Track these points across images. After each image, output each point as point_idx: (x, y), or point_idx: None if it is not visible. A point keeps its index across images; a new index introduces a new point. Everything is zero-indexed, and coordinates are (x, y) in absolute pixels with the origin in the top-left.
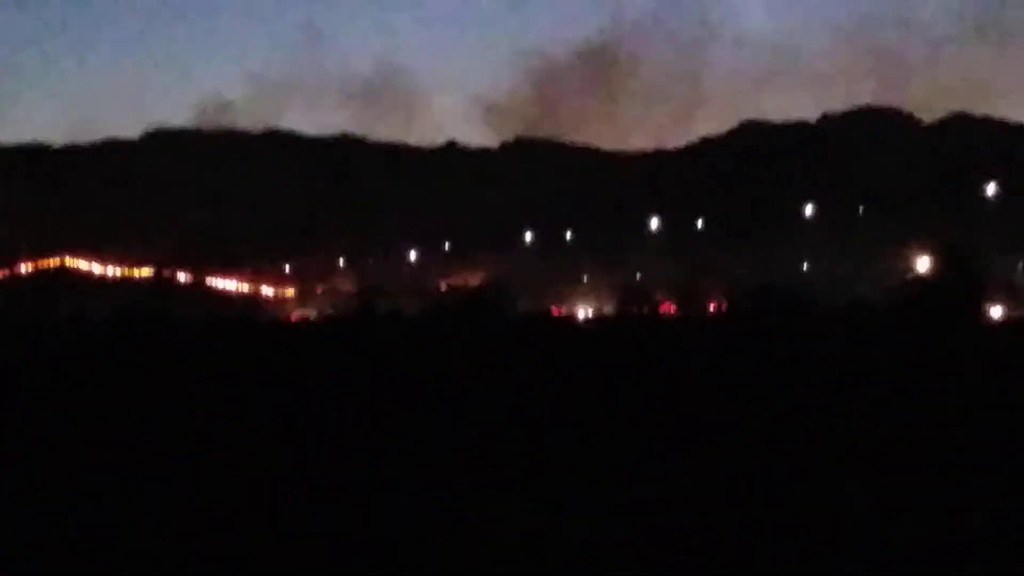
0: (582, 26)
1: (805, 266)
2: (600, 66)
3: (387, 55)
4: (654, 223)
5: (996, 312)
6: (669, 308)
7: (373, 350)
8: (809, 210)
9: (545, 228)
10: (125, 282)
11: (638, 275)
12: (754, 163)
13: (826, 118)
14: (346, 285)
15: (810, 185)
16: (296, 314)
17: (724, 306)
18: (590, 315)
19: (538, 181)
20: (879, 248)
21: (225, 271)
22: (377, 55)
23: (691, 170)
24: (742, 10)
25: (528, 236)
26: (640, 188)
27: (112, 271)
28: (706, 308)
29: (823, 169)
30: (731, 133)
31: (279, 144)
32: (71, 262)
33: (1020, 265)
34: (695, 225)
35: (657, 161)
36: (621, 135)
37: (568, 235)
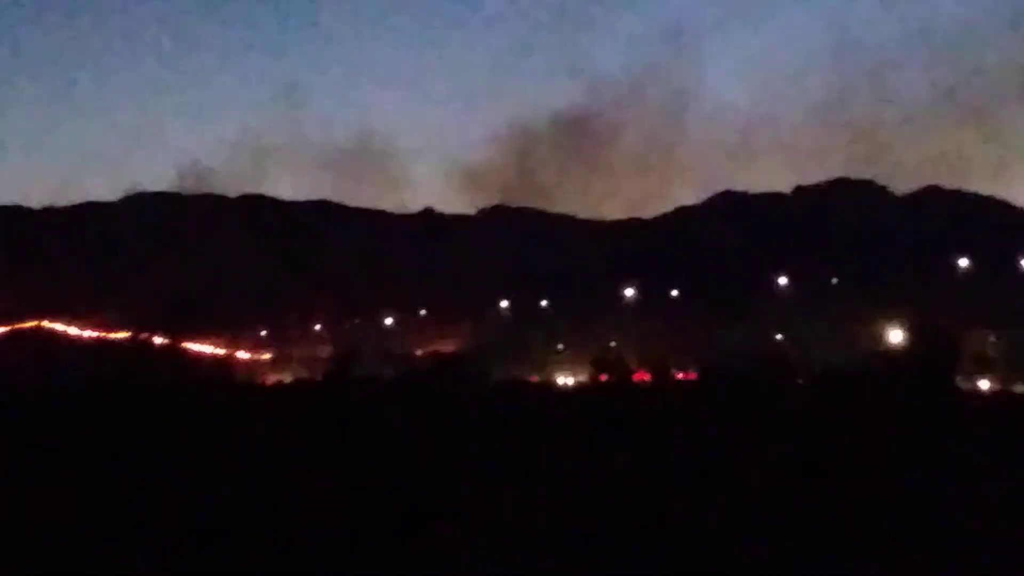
0: (561, 95)
1: (779, 336)
2: (578, 135)
3: (367, 121)
4: (629, 291)
5: (983, 384)
6: (643, 376)
7: (346, 414)
8: (783, 280)
9: (521, 295)
10: (101, 345)
11: (612, 343)
12: (729, 233)
13: (801, 190)
14: (322, 350)
15: (784, 255)
16: (272, 378)
17: (696, 375)
18: (569, 383)
19: (514, 248)
20: (852, 319)
21: (201, 334)
22: (357, 121)
23: (666, 239)
24: (719, 82)
25: (504, 303)
26: (616, 256)
27: (88, 334)
28: (677, 376)
29: (797, 240)
30: (706, 203)
31: (257, 208)
32: (48, 324)
33: (991, 338)
34: (669, 293)
35: (633, 229)
36: (598, 203)
37: (544, 302)
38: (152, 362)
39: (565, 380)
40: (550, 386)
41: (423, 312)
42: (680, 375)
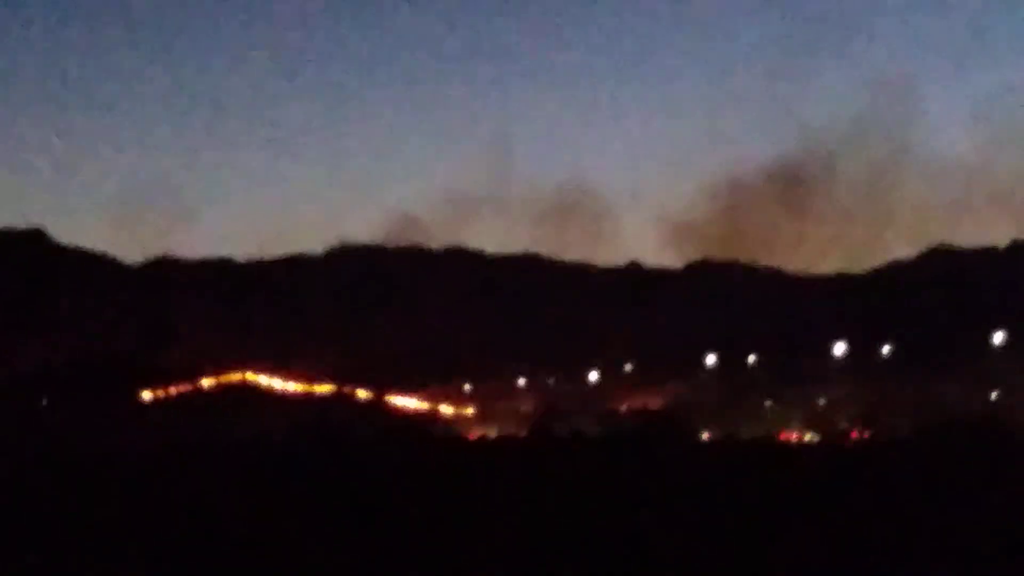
0: (771, 147)
1: (994, 395)
2: (788, 187)
3: (575, 172)
4: (839, 348)
5: None
6: (857, 435)
7: (551, 469)
8: (998, 338)
9: (728, 350)
10: (305, 398)
11: (822, 400)
12: (942, 289)
13: (1016, 244)
14: (527, 405)
15: (1000, 312)
16: (476, 432)
17: (910, 434)
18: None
19: (722, 303)
20: None
21: (405, 389)
22: (564, 172)
23: (877, 294)
24: (935, 131)
25: (710, 359)
26: (826, 312)
27: (293, 387)
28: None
29: (1013, 296)
30: (919, 258)
31: (461, 261)
32: (252, 377)
33: None
34: (880, 350)
35: (843, 284)
36: (808, 257)
37: (751, 358)
38: (356, 415)
39: (778, 436)
40: (770, 443)
41: (628, 367)
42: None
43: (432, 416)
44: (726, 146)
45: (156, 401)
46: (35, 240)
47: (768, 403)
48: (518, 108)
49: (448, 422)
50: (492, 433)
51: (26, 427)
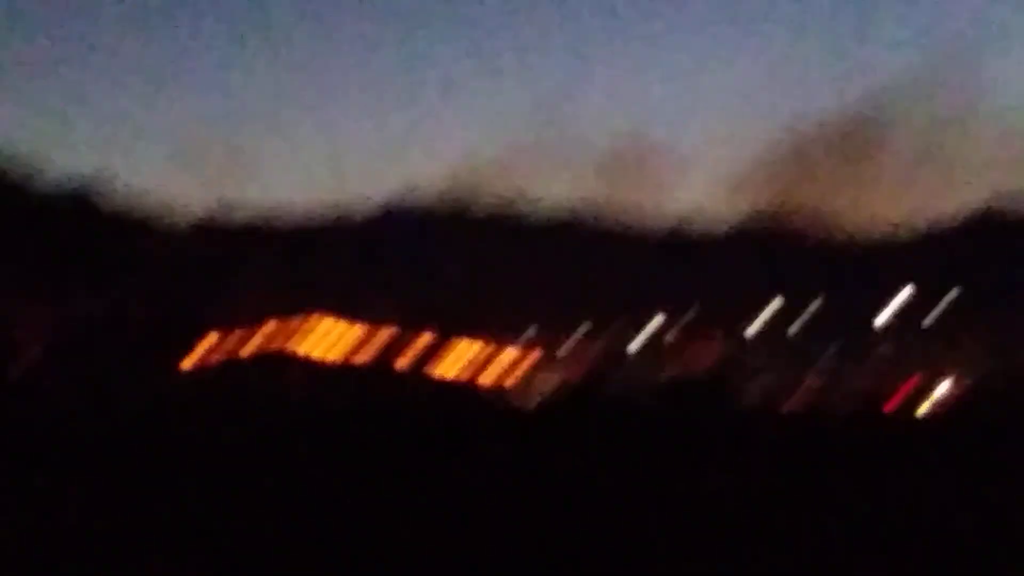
0: (834, 99)
1: None
2: (850, 140)
3: (635, 126)
4: (900, 300)
5: None
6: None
7: (607, 419)
8: None
9: (785, 305)
10: (367, 344)
11: (883, 353)
12: (1007, 240)
13: None
14: (586, 353)
15: None
16: (539, 378)
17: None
18: None
19: (780, 257)
20: None
21: (468, 334)
22: (624, 124)
23: (941, 247)
24: (1002, 83)
25: (768, 313)
26: (886, 265)
27: (354, 333)
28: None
29: None
30: (983, 209)
31: (521, 211)
32: (314, 324)
33: None
34: (943, 303)
35: (905, 237)
36: (868, 211)
37: (809, 312)
38: (417, 360)
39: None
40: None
41: (685, 320)
42: None
43: (492, 362)
44: (787, 99)
45: (214, 350)
46: (92, 190)
47: (828, 355)
48: (578, 59)
49: (508, 370)
50: (554, 380)
51: (81, 377)
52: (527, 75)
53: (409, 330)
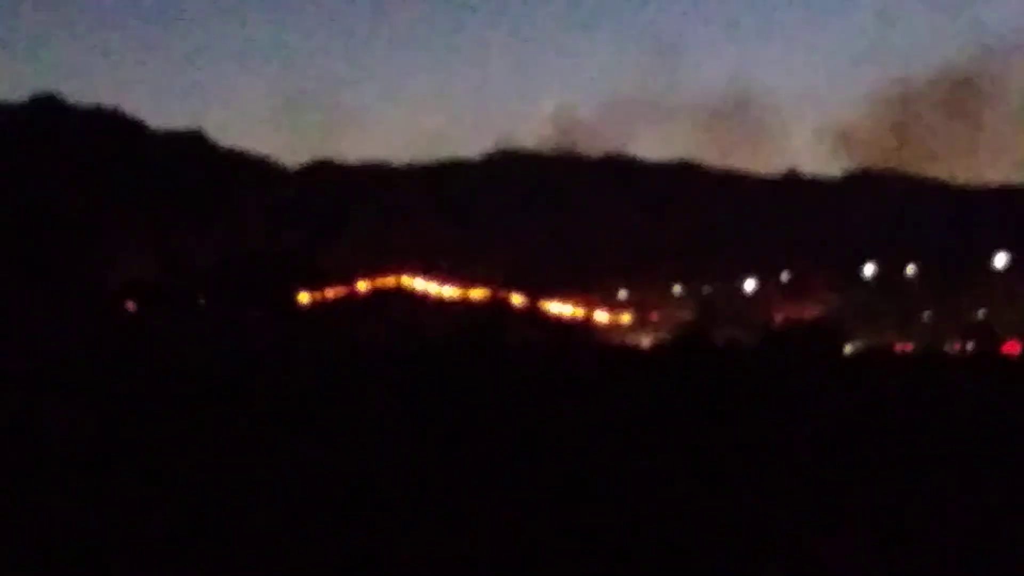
0: (940, 55)
1: None
2: (954, 96)
3: (739, 79)
4: (1000, 259)
5: None
6: (1014, 347)
7: (707, 380)
8: None
9: (886, 261)
10: (460, 303)
11: (980, 313)
12: None
13: None
14: (682, 313)
15: None
16: (631, 340)
17: None
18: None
19: (882, 212)
20: None
21: (560, 295)
22: (728, 78)
23: None
24: None
25: (869, 269)
26: (988, 222)
27: (448, 291)
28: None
29: None
30: None
31: (621, 167)
32: (408, 281)
33: None
34: None
35: (1007, 195)
36: (972, 167)
37: (910, 269)
38: (510, 321)
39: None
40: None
41: (785, 277)
42: None
43: (587, 323)
44: (893, 54)
45: (313, 303)
46: (195, 142)
47: (927, 314)
48: (683, 13)
49: (602, 330)
50: (646, 341)
51: (184, 326)
52: (629, 31)
53: (501, 291)
